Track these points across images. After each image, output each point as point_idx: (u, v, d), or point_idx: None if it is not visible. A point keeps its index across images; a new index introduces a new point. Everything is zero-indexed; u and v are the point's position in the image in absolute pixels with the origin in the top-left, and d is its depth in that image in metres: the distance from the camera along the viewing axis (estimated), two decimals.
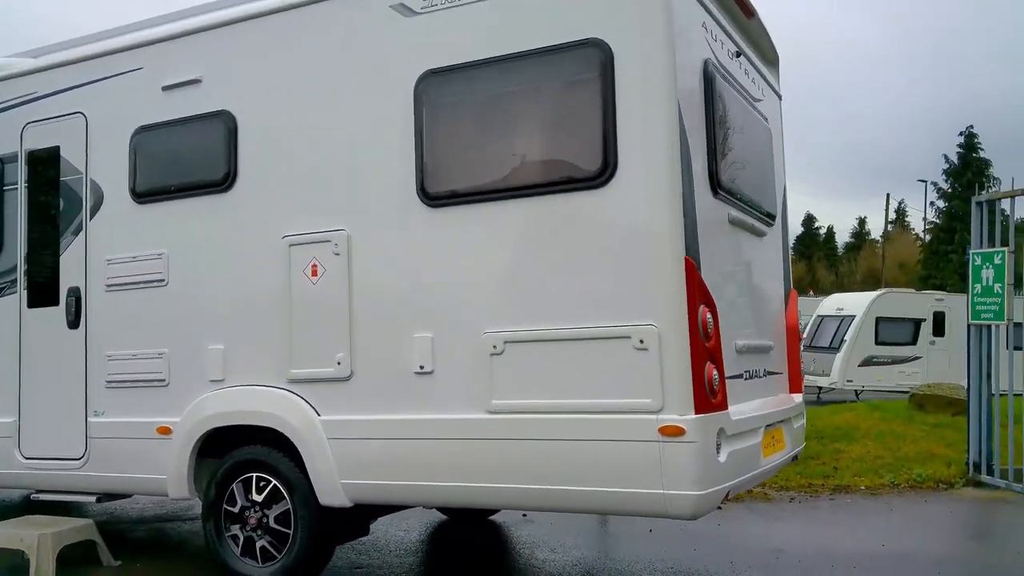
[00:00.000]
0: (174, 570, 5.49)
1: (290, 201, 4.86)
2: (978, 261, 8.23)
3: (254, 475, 4.88)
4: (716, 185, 4.35)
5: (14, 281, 5.80)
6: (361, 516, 4.94)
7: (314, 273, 4.74)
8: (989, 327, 8.28)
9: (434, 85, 4.48)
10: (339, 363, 4.63)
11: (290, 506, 4.77)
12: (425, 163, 4.47)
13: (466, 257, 4.36)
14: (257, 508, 4.85)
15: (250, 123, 4.99)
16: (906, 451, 9.41)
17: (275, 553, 4.80)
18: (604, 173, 4.04)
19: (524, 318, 4.20)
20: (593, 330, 4.03)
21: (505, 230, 4.28)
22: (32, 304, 5.71)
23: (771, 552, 5.65)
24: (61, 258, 5.60)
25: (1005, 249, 8.01)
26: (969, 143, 36.40)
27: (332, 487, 4.60)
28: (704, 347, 3.93)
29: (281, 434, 4.80)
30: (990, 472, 8.21)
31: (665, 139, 3.94)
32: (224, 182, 5.04)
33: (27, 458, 5.64)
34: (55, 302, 5.60)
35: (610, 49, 4.05)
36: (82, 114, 5.58)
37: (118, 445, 5.30)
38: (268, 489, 4.83)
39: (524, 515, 6.54)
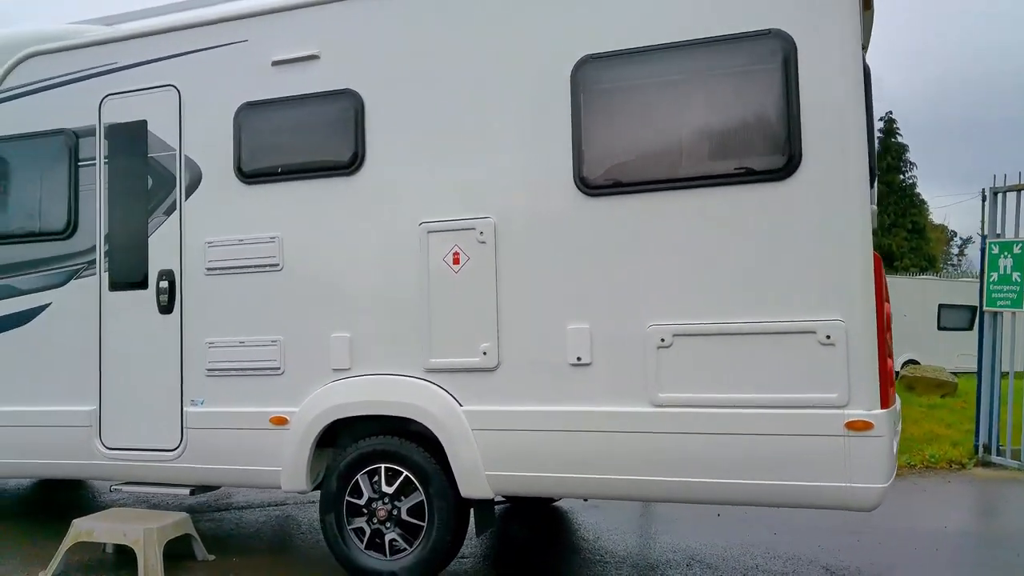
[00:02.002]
0: (272, 564, 5.30)
1: (426, 187, 4.71)
2: (995, 250, 8.61)
3: (382, 466, 4.75)
4: (873, 177, 4.42)
5: (92, 262, 5.46)
6: (491, 507, 4.88)
7: (456, 261, 4.62)
8: (1000, 314, 8.69)
9: (593, 71, 4.41)
10: (485, 353, 4.54)
11: (424, 498, 4.67)
12: (583, 152, 4.40)
13: (630, 248, 4.32)
14: (387, 500, 4.73)
15: (379, 104, 4.81)
16: (911, 432, 9.81)
17: (405, 546, 4.70)
18: (788, 165, 4.05)
19: (695, 311, 4.20)
20: (774, 324, 4.06)
21: (675, 222, 4.25)
22: (115, 287, 5.39)
23: (851, 534, 5.83)
24: (150, 239, 5.30)
25: None
26: (888, 128, 37.90)
27: (476, 478, 4.53)
28: (886, 342, 4.02)
29: (412, 425, 4.70)
30: (999, 453, 8.66)
31: (855, 132, 3.98)
32: (351, 165, 4.85)
33: (110, 448, 5.35)
34: (143, 285, 5.31)
35: (792, 40, 4.06)
36: (174, 87, 5.27)
37: (221, 436, 5.07)
38: (399, 481, 4.72)
39: (585, 500, 6.57)
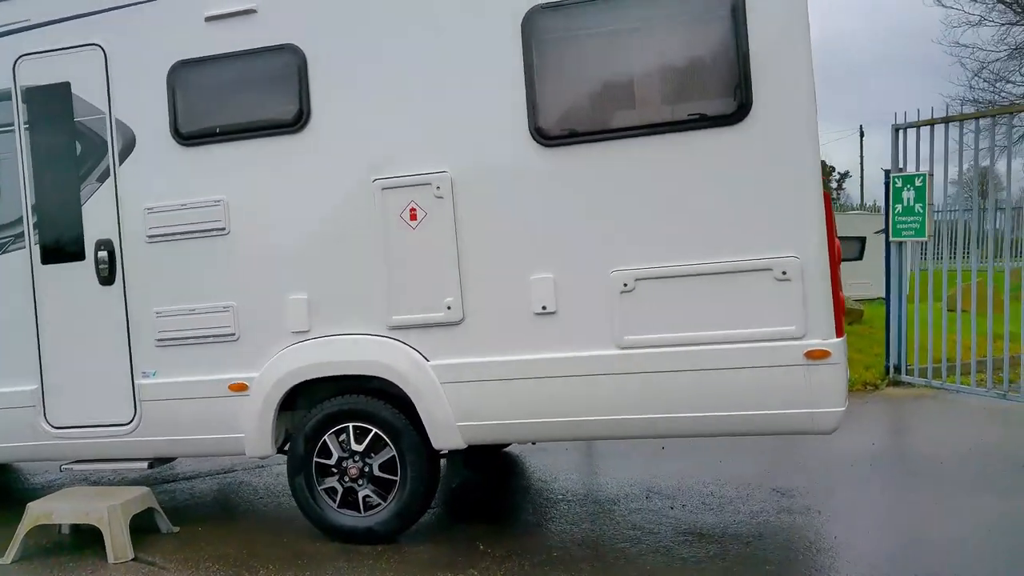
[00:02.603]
0: (240, 530, 5.25)
1: (376, 143, 4.65)
2: (899, 184, 9.08)
3: (350, 425, 4.76)
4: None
5: (19, 235, 5.18)
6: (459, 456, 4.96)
7: (412, 217, 4.60)
8: (904, 244, 9.22)
9: (543, 20, 4.41)
10: (449, 307, 4.56)
11: (395, 453, 4.71)
12: (537, 102, 4.42)
13: (588, 197, 4.39)
14: (358, 458, 4.75)
15: (322, 59, 4.70)
16: None
17: (380, 501, 4.74)
18: (740, 110, 4.18)
19: (655, 256, 4.32)
20: (731, 264, 4.22)
21: (632, 169, 4.33)
22: (47, 260, 5.14)
23: (791, 457, 6.18)
24: (83, 208, 5.07)
25: (926, 172, 8.89)
26: None
27: (448, 431, 4.59)
28: (837, 275, 4.23)
29: (375, 382, 4.71)
30: (908, 373, 9.25)
31: (803, 74, 4.12)
32: (296, 123, 4.73)
33: (56, 428, 5.16)
34: (79, 257, 5.08)
35: None
36: (98, 46, 5.00)
37: (177, 406, 4.96)
38: (368, 438, 4.73)
39: (533, 444, 6.73)
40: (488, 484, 6.12)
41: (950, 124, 8.73)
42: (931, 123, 8.90)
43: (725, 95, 4.22)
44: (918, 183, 8.93)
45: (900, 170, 9.11)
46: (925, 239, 8.99)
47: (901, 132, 9.15)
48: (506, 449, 6.85)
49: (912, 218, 9.01)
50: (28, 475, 7.19)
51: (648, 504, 5.33)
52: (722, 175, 4.24)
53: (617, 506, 5.31)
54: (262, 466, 6.88)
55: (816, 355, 4.13)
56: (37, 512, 4.77)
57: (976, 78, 22.41)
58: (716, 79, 4.24)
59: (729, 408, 4.26)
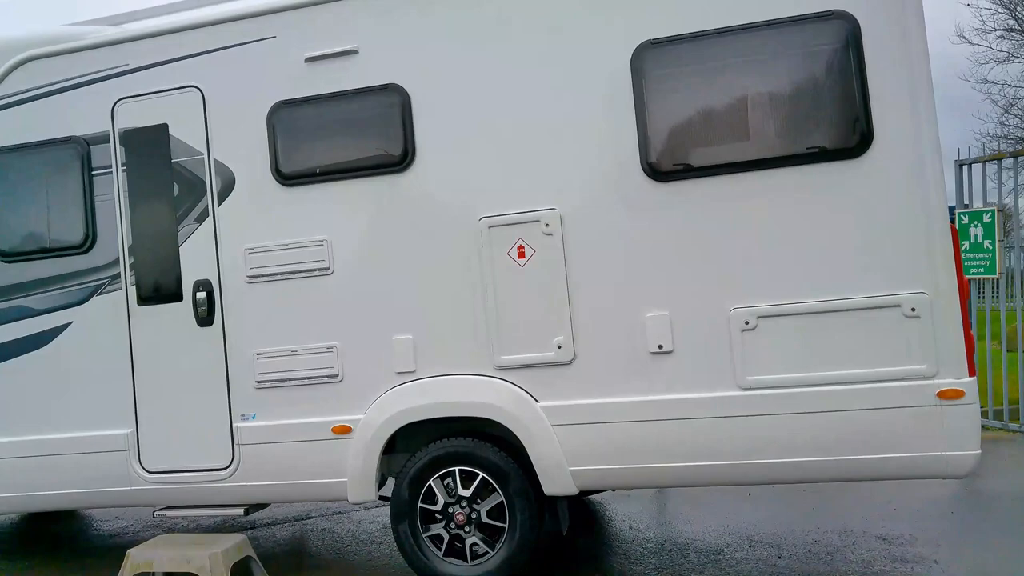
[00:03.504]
0: None
1: (481, 180, 4.60)
2: (965, 220, 8.95)
3: (456, 469, 4.64)
4: None
5: (115, 276, 5.15)
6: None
7: (520, 255, 4.53)
8: (975, 281, 9.06)
9: (655, 54, 4.37)
10: (559, 347, 4.47)
11: (503, 498, 4.58)
12: (649, 138, 4.37)
13: (705, 232, 4.31)
14: (464, 503, 4.63)
15: (426, 97, 4.67)
16: None
17: (487, 549, 4.60)
18: (861, 143, 4.10)
19: (778, 292, 4.22)
20: (858, 300, 4.11)
21: (749, 203, 4.25)
22: (144, 301, 5.10)
23: (884, 503, 5.99)
24: (181, 248, 5.03)
25: (994, 208, 8.77)
26: None
27: (560, 475, 4.47)
28: (966, 312, 4.11)
29: (483, 425, 4.61)
30: (983, 415, 9.03)
31: (925, 105, 4.05)
32: (400, 162, 4.70)
33: (151, 472, 5.07)
34: (177, 298, 5.04)
35: (856, 20, 4.11)
36: (197, 88, 5.01)
37: (278, 450, 4.87)
38: (476, 483, 4.61)
39: (627, 493, 6.58)
40: (574, 532, 5.96)
41: (1017, 159, 8.63)
42: (998, 158, 8.81)
43: (845, 128, 4.15)
44: (986, 219, 8.80)
45: (965, 206, 8.99)
46: (996, 276, 8.83)
47: (965, 168, 9.05)
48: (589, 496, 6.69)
49: (981, 255, 8.87)
50: (99, 521, 7.10)
51: (753, 553, 5.16)
52: (844, 209, 4.15)
53: (722, 555, 5.15)
54: (339, 512, 6.76)
55: (949, 395, 4.00)
56: (139, 559, 4.66)
57: (1007, 114, 22.36)
58: (835, 112, 4.17)
59: (858, 452, 4.12)
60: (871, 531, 5.43)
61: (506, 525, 4.59)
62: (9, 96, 5.31)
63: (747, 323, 4.24)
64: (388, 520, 6.32)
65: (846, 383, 4.12)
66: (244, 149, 4.93)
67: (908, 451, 4.06)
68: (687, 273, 4.33)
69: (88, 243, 5.18)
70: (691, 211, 4.33)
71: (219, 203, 4.97)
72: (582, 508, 6.44)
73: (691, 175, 4.34)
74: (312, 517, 6.69)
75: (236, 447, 4.93)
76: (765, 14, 4.24)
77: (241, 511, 5.02)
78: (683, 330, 4.34)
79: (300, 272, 4.83)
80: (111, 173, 5.16)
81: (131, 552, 4.74)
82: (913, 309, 4.05)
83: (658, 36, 4.36)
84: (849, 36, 4.12)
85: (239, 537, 4.88)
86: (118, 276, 5.14)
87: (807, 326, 4.18)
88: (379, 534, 6.08)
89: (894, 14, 4.10)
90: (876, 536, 5.32)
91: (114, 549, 6.02)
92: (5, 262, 5.32)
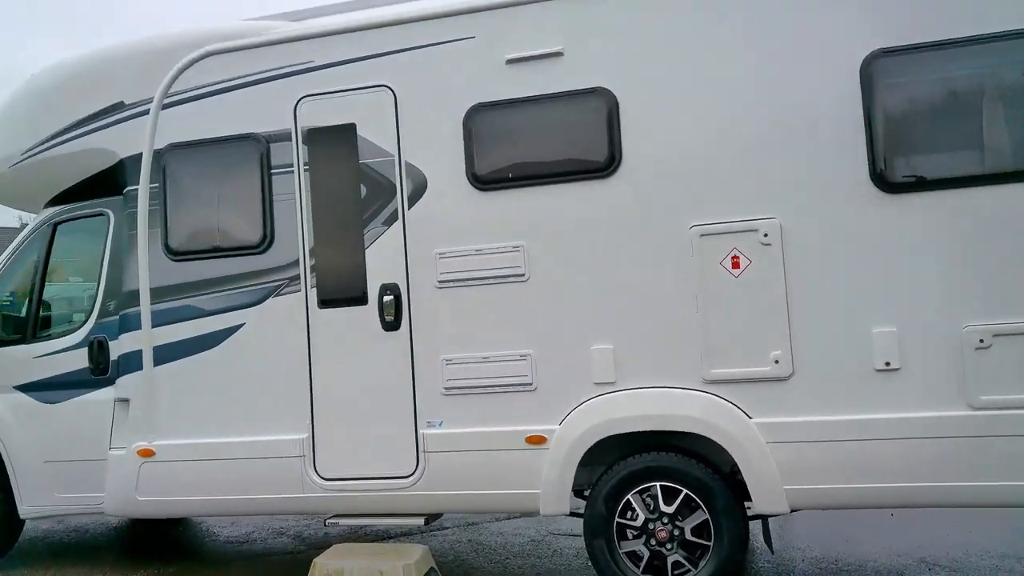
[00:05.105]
0: None
1: (693, 188, 4.48)
2: None
3: (657, 484, 4.51)
4: None
5: (294, 278, 5.03)
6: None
7: (735, 265, 4.41)
8: None
9: (886, 64, 4.25)
10: (777, 361, 4.34)
11: (708, 516, 4.45)
12: (879, 149, 4.25)
13: (938, 246, 4.18)
14: (667, 520, 4.49)
15: (635, 101, 4.56)
16: None
17: (689, 567, 4.47)
18: None
19: (1013, 310, 4.09)
20: None
21: (986, 219, 4.12)
22: (325, 304, 4.98)
23: None
24: (367, 251, 4.91)
25: None
26: None
27: (774, 494, 4.33)
28: None
29: (681, 439, 4.50)
30: None
31: None
32: (606, 168, 4.58)
33: (327, 479, 4.94)
34: (361, 301, 4.92)
35: None
36: (388, 88, 4.90)
37: (467, 459, 4.73)
38: (680, 499, 4.48)
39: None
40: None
41: None
42: None
43: None
44: None
45: None
46: None
47: None
48: None
49: None
50: (218, 528, 6.98)
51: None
52: None
53: None
54: (473, 523, 6.63)
55: None
56: (328, 568, 4.53)
57: None
58: None
59: None
60: None
61: (711, 543, 4.45)
62: (186, 92, 5.21)
63: (982, 341, 4.11)
64: (531, 531, 6.24)
65: None
66: (437, 152, 4.81)
67: None
68: (917, 289, 4.19)
69: (266, 243, 5.07)
70: (923, 225, 4.19)
71: (409, 206, 4.86)
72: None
73: (923, 187, 4.21)
74: (474, 525, 6.56)
75: (421, 454, 4.80)
76: (1002, 26, 4.13)
77: (421, 521, 4.88)
78: (912, 347, 4.19)
79: (494, 278, 4.72)
80: (292, 172, 5.05)
81: (317, 561, 4.61)
82: None
83: (891, 45, 4.24)
84: None
85: (422, 548, 4.75)
86: (297, 278, 5.02)
87: None
88: (529, 547, 5.95)
89: None
90: None
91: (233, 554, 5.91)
92: (175, 260, 5.21)
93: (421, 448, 4.80)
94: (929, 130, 4.26)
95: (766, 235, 4.36)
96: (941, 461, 4.16)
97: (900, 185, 4.23)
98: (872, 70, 4.26)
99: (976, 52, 4.16)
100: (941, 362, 4.17)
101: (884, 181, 4.24)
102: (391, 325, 4.86)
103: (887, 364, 4.22)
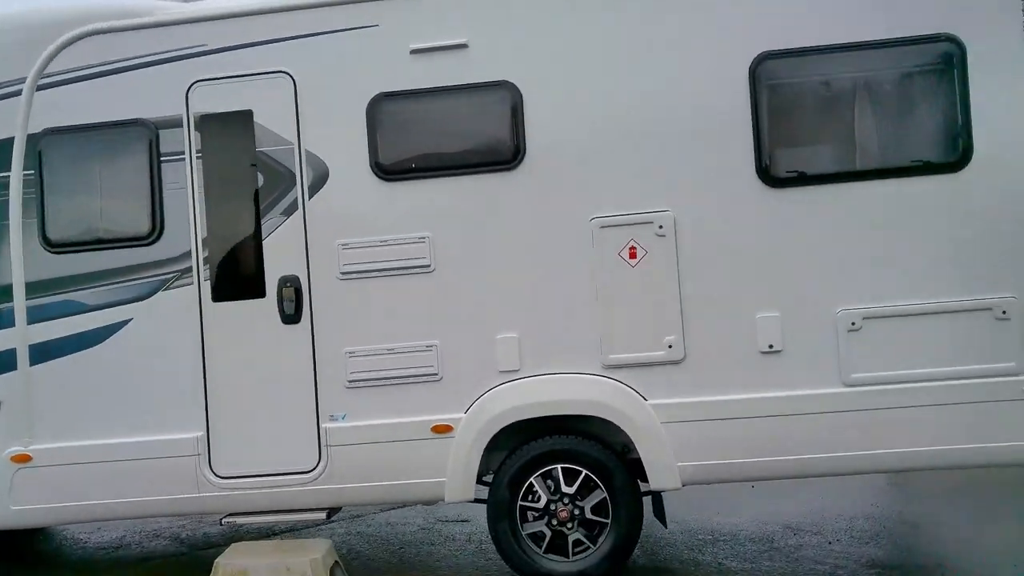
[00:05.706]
0: None
1: (593, 181, 4.67)
2: None
3: (559, 467, 4.68)
4: None
5: (186, 271, 4.85)
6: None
7: (632, 255, 4.64)
8: None
9: (772, 67, 4.58)
10: (670, 346, 4.60)
11: (606, 495, 4.66)
12: (764, 146, 4.58)
13: (816, 238, 4.55)
14: (567, 501, 4.67)
15: (539, 96, 4.70)
16: None
17: (589, 544, 4.66)
18: (962, 158, 4.46)
19: (880, 295, 4.52)
20: (954, 303, 4.47)
21: (855, 212, 4.53)
22: (219, 297, 4.84)
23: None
24: (265, 243, 4.82)
25: None
26: None
27: (668, 471, 4.59)
28: None
29: (581, 422, 4.70)
30: None
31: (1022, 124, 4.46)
32: (511, 160, 4.70)
33: (223, 478, 4.81)
34: (258, 294, 4.82)
35: (962, 43, 4.47)
36: (287, 74, 4.82)
37: (372, 451, 4.73)
38: (579, 480, 4.67)
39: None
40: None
41: None
42: None
43: (949, 144, 4.51)
44: None
45: None
46: None
47: None
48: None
49: None
50: (85, 535, 6.61)
51: (805, 540, 5.46)
52: (945, 221, 4.49)
53: (776, 543, 5.41)
54: (359, 516, 6.60)
55: None
56: (230, 569, 4.41)
57: None
58: (941, 129, 4.53)
59: (955, 442, 4.47)
60: (893, 515, 5.86)
61: (609, 520, 4.66)
62: (65, 72, 4.92)
63: (853, 324, 4.51)
64: (419, 520, 6.31)
65: (942, 380, 4.45)
66: (340, 141, 4.78)
67: (996, 441, 4.43)
68: (798, 276, 4.54)
69: (155, 234, 4.87)
70: (804, 217, 4.54)
71: (310, 196, 4.80)
72: None
73: (803, 182, 4.58)
74: (361, 517, 6.51)
75: (324, 448, 4.76)
76: (879, 34, 4.53)
77: (323, 515, 4.84)
78: (793, 330, 4.55)
79: (399, 269, 4.74)
80: (184, 160, 4.87)
81: (218, 562, 4.48)
82: (1004, 312, 4.43)
83: (776, 48, 4.56)
84: (956, 58, 4.46)
85: (327, 542, 4.71)
86: (189, 270, 4.85)
87: (907, 327, 4.48)
88: (420, 535, 6.00)
89: (1001, 39, 4.44)
90: (901, 521, 5.76)
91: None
92: (53, 253, 4.91)
93: (324, 442, 4.76)
94: (809, 129, 4.65)
95: (661, 227, 4.61)
96: (822, 435, 4.54)
97: (783, 180, 4.58)
98: (760, 71, 4.58)
99: (850, 58, 4.56)
100: (819, 344, 4.54)
101: (769, 176, 4.57)
102: (291, 318, 4.79)
103: (770, 346, 4.56)
